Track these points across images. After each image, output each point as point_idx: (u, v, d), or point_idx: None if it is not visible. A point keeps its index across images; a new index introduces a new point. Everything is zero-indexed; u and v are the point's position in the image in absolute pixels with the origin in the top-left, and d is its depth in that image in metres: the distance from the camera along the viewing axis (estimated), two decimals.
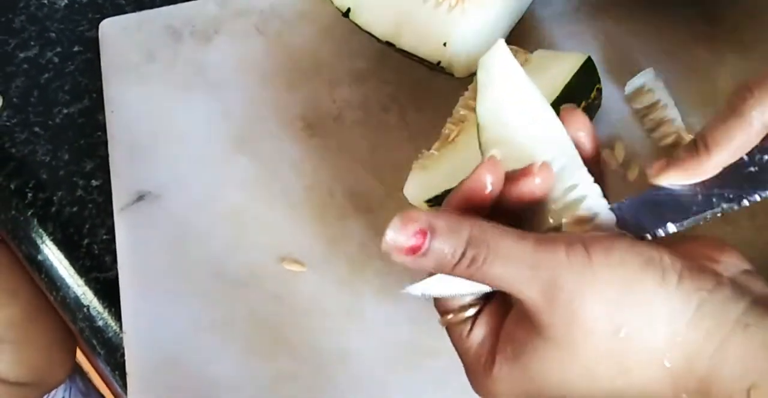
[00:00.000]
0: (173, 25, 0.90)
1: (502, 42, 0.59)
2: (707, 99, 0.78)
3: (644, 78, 0.78)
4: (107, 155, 0.85)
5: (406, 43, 0.77)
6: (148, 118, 0.86)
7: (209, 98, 0.86)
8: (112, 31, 0.91)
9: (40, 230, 0.86)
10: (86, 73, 0.92)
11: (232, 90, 0.86)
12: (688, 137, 0.75)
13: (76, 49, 0.94)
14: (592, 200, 0.52)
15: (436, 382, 0.71)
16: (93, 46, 0.92)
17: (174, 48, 0.89)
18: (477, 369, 0.52)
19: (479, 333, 0.52)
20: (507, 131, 0.58)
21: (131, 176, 0.83)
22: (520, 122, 0.57)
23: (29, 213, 0.87)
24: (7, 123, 0.90)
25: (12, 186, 0.88)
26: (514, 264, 0.47)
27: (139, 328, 0.78)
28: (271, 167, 0.82)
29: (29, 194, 0.87)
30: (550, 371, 0.48)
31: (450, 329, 0.53)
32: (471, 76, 0.78)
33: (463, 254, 0.47)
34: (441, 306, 0.53)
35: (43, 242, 0.86)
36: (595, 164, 0.55)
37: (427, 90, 0.82)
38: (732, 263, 0.50)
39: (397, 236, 0.47)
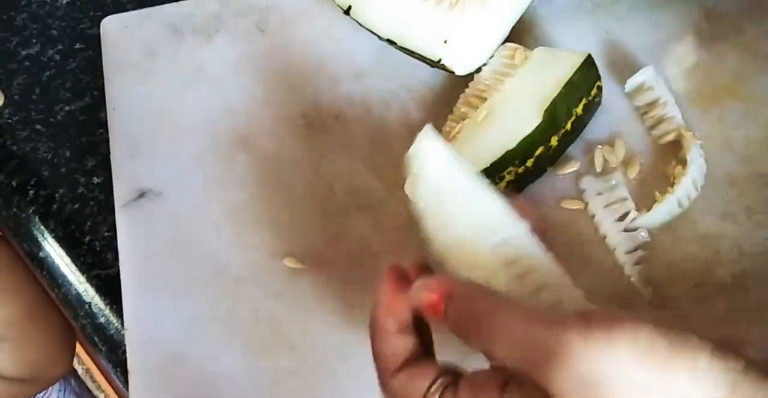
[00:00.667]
0: (174, 23, 0.90)
1: (429, 128, 0.62)
2: (707, 98, 0.79)
3: (644, 75, 0.78)
4: (108, 153, 0.85)
5: (406, 41, 0.77)
6: (149, 115, 0.86)
7: (210, 96, 0.86)
8: (114, 28, 0.91)
9: (42, 227, 0.86)
10: (87, 70, 0.92)
11: (233, 88, 0.86)
12: (688, 135, 0.75)
13: (77, 46, 0.94)
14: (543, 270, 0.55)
15: None
16: (94, 43, 0.92)
17: (175, 46, 0.89)
18: None
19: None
20: (446, 218, 0.61)
21: (132, 174, 0.83)
22: (456, 208, 0.61)
23: (31, 210, 0.87)
24: (9, 120, 0.91)
25: (13, 183, 0.88)
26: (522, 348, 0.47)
27: (140, 325, 0.78)
28: (272, 164, 0.82)
29: (31, 192, 0.87)
30: None
31: None
32: (472, 74, 0.78)
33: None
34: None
35: (44, 239, 0.86)
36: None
37: (427, 87, 0.82)
38: None
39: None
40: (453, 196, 0.61)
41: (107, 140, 0.86)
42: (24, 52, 0.94)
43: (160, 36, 0.90)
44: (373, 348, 0.57)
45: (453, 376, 0.52)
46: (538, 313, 0.48)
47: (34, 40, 0.95)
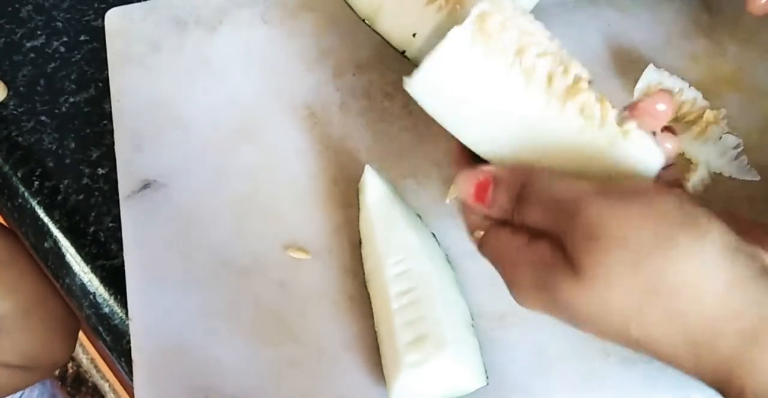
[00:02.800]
0: (178, 15, 0.91)
1: (368, 169, 0.76)
2: (708, 88, 0.79)
3: (648, 76, 0.78)
4: (113, 144, 0.85)
5: (380, 25, 0.77)
6: (153, 107, 0.86)
7: (214, 87, 0.86)
8: (118, 20, 0.91)
9: (47, 218, 0.86)
10: (92, 62, 0.93)
11: (237, 79, 0.86)
12: (715, 113, 0.76)
13: (82, 38, 0.94)
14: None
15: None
16: (99, 35, 0.93)
17: (179, 37, 0.90)
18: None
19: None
20: (375, 248, 0.73)
21: (137, 165, 0.84)
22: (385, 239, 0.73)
23: (36, 201, 0.87)
24: (14, 112, 0.91)
25: (19, 174, 0.88)
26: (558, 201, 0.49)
27: (144, 315, 0.78)
28: (275, 155, 0.82)
29: (36, 183, 0.88)
30: (569, 296, 0.48)
31: (495, 235, 0.54)
32: None
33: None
34: (469, 221, 0.56)
35: (49, 230, 0.86)
36: None
37: None
38: None
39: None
40: (384, 228, 0.74)
41: (112, 132, 0.86)
42: (29, 44, 0.95)
43: (164, 28, 0.90)
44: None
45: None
46: (573, 182, 0.50)
47: (39, 32, 0.95)
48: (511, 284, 0.53)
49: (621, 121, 0.54)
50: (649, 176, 0.53)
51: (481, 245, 0.56)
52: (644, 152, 0.53)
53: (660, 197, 0.47)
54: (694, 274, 0.44)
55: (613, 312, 0.46)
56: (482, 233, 0.55)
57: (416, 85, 0.54)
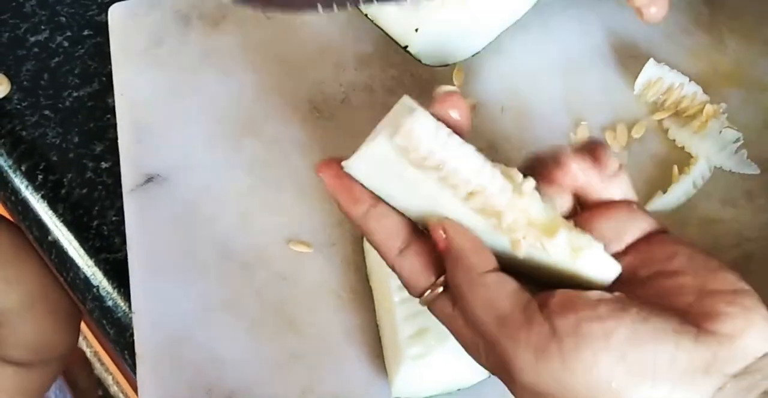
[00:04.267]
0: (181, 10, 0.91)
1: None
2: (708, 83, 0.79)
3: (648, 71, 0.79)
4: (116, 138, 0.85)
5: (382, 20, 0.77)
6: (156, 101, 0.86)
7: (217, 82, 0.87)
8: (121, 15, 0.91)
9: (50, 211, 0.87)
10: (96, 57, 0.93)
11: (240, 74, 0.87)
12: (715, 107, 0.76)
13: (85, 33, 0.95)
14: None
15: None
16: (102, 30, 0.93)
17: (182, 32, 0.90)
18: (473, 347, 0.53)
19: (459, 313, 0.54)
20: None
21: (140, 159, 0.84)
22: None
23: (39, 195, 0.87)
24: (18, 106, 0.91)
25: (22, 168, 0.88)
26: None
27: (148, 308, 0.78)
28: (278, 149, 0.83)
29: (39, 176, 0.88)
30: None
31: (432, 307, 0.55)
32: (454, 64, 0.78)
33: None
34: (410, 287, 0.55)
35: (52, 223, 0.86)
36: None
37: (431, 73, 0.83)
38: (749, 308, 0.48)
39: None
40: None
41: (115, 126, 0.86)
42: (33, 39, 0.95)
43: (167, 23, 0.90)
44: (369, 234, 0.56)
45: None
46: (504, 298, 0.50)
47: (42, 27, 0.95)
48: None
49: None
50: (604, 285, 0.53)
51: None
52: (596, 268, 0.53)
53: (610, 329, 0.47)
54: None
55: None
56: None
57: (351, 169, 0.56)
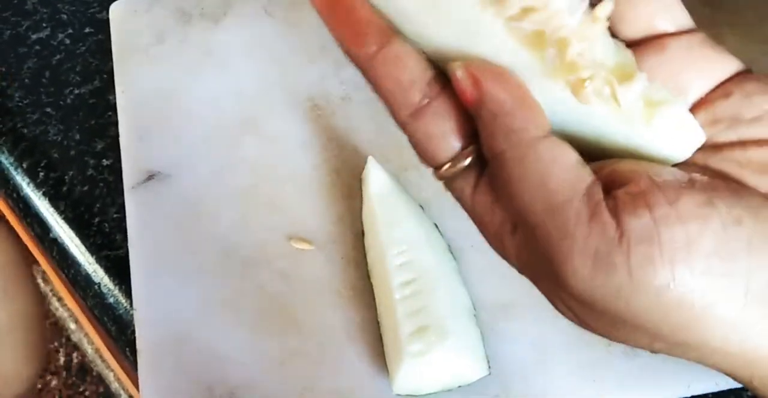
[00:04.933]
0: (182, 7, 0.91)
1: (371, 160, 0.75)
2: None
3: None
4: (118, 135, 0.85)
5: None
6: (157, 98, 0.87)
7: (218, 79, 0.87)
8: (122, 13, 0.92)
9: (52, 209, 0.87)
10: (97, 54, 0.93)
11: (241, 71, 0.87)
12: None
13: (87, 30, 0.95)
14: None
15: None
16: (104, 27, 0.93)
17: (183, 29, 0.90)
18: (498, 239, 0.42)
19: (484, 200, 0.42)
20: (378, 239, 0.73)
21: (141, 156, 0.84)
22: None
23: (41, 192, 0.87)
24: (19, 104, 0.91)
25: (24, 165, 0.89)
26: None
27: (149, 305, 0.78)
28: (279, 146, 0.83)
29: (41, 174, 0.88)
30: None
31: (448, 185, 0.43)
32: None
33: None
34: (425, 157, 0.42)
35: (54, 220, 0.87)
36: None
37: None
38: None
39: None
40: (387, 221, 0.73)
41: (116, 123, 0.86)
42: (34, 36, 0.95)
43: (168, 20, 0.90)
44: (375, 81, 0.42)
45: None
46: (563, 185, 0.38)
47: (44, 25, 0.96)
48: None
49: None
50: (678, 160, 0.40)
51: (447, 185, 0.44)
52: (675, 134, 0.40)
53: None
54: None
55: (627, 342, 0.39)
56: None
57: None
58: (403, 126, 0.42)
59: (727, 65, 0.41)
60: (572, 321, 0.40)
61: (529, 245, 0.39)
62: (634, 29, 0.41)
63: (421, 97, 0.40)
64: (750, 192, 0.38)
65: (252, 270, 0.78)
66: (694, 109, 0.40)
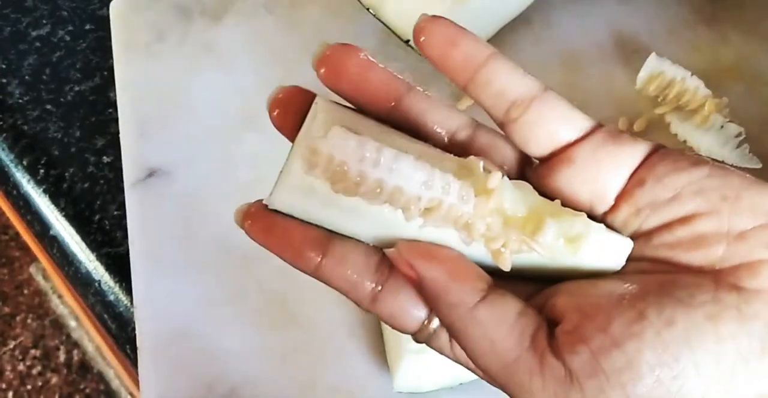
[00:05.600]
0: (183, 4, 0.91)
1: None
2: (710, 78, 0.79)
3: (650, 65, 0.78)
4: (118, 132, 0.85)
5: (384, 14, 0.77)
6: (158, 95, 0.87)
7: (218, 76, 0.87)
8: (123, 10, 0.92)
9: (52, 206, 0.87)
10: (97, 51, 0.93)
11: (241, 68, 0.87)
12: (717, 102, 0.75)
13: (87, 27, 0.95)
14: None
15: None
16: (104, 24, 0.93)
17: (184, 27, 0.90)
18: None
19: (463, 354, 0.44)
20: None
21: (142, 153, 0.84)
22: None
23: (41, 189, 0.88)
24: (19, 100, 0.91)
25: (24, 163, 0.89)
26: None
27: (149, 303, 0.78)
28: (279, 143, 0.82)
29: (41, 171, 0.88)
30: None
31: (432, 346, 0.46)
32: None
33: None
34: (400, 330, 0.45)
35: (54, 217, 0.87)
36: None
37: (431, 68, 0.83)
38: None
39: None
40: None
41: (117, 120, 0.86)
42: (35, 33, 0.95)
43: (168, 17, 0.90)
44: (330, 284, 0.46)
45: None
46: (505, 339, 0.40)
47: (44, 21, 0.96)
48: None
49: None
50: (616, 269, 0.43)
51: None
52: (602, 256, 0.43)
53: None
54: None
55: None
56: None
57: (276, 205, 0.47)
58: (370, 312, 0.45)
59: (634, 153, 0.42)
60: None
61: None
62: (541, 148, 0.43)
63: (374, 285, 0.44)
64: (682, 277, 0.40)
65: (253, 267, 0.78)
66: (617, 204, 0.42)
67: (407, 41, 0.76)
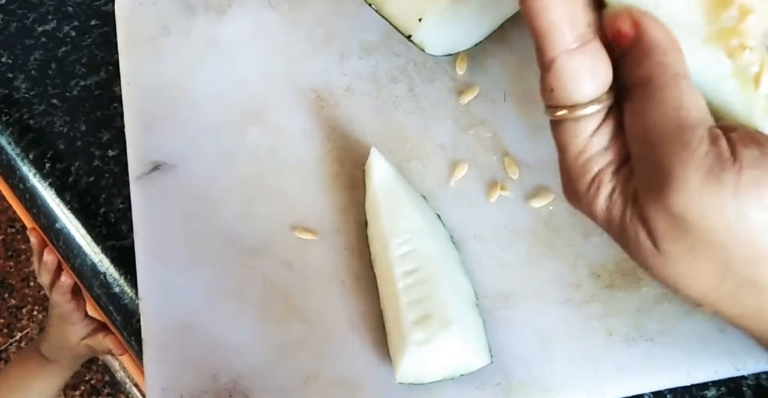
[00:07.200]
0: (187, 0, 0.92)
1: (374, 151, 0.76)
2: None
3: None
4: (123, 126, 0.86)
5: (386, 9, 0.77)
6: (163, 90, 0.87)
7: (222, 71, 0.87)
8: (128, 5, 0.92)
9: (58, 199, 0.87)
10: (103, 46, 0.94)
11: (245, 62, 0.87)
12: None
13: (92, 22, 0.95)
14: None
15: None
16: (109, 20, 0.94)
17: (188, 21, 0.90)
18: (578, 186, 0.48)
19: (600, 142, 0.47)
20: (381, 229, 0.74)
21: (146, 147, 0.85)
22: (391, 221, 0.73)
23: (47, 183, 0.88)
24: (26, 95, 0.92)
25: (30, 156, 0.89)
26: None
27: (154, 295, 0.79)
28: (283, 137, 0.83)
29: (47, 165, 0.89)
30: (646, 261, 0.45)
31: (562, 128, 0.47)
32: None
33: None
34: (563, 93, 0.46)
35: (60, 211, 0.87)
36: None
37: (434, 62, 0.83)
38: None
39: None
40: (390, 211, 0.74)
41: (122, 114, 0.87)
42: (41, 29, 0.96)
43: (173, 12, 0.91)
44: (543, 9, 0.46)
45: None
46: (690, 116, 0.43)
47: (50, 17, 0.96)
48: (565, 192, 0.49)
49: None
50: None
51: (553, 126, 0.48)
52: None
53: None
54: None
55: (690, 287, 0.44)
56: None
57: None
58: (551, 62, 0.46)
59: None
60: (640, 255, 0.45)
61: (640, 165, 0.44)
62: None
63: (579, 35, 0.45)
64: None
65: (256, 260, 0.79)
66: None
67: (409, 36, 0.76)
